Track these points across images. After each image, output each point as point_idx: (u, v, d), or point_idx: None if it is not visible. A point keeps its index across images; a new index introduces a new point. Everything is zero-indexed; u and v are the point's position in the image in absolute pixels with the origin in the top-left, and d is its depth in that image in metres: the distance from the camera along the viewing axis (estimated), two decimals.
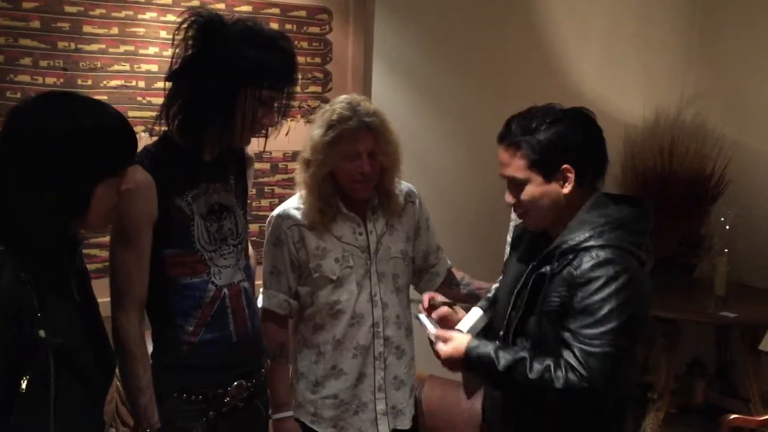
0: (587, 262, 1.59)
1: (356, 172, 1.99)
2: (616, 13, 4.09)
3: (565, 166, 1.66)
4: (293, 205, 2.09)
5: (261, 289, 2.12)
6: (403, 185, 2.18)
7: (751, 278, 4.07)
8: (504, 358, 1.62)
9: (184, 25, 1.71)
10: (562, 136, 1.65)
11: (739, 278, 3.98)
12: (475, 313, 1.87)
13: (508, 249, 2.85)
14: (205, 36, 1.70)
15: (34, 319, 1.32)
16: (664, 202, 4.00)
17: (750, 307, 3.75)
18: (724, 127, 4.10)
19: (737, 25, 4.17)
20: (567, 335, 1.60)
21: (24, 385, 1.31)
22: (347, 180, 2.02)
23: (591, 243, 1.62)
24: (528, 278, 1.69)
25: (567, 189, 1.67)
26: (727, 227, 3.86)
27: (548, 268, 1.65)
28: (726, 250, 3.78)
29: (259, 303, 2.08)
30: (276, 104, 1.78)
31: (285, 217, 2.07)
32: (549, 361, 1.59)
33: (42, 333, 1.33)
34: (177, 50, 1.72)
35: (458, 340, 1.71)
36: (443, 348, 1.72)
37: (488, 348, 1.65)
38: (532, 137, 1.65)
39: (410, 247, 2.17)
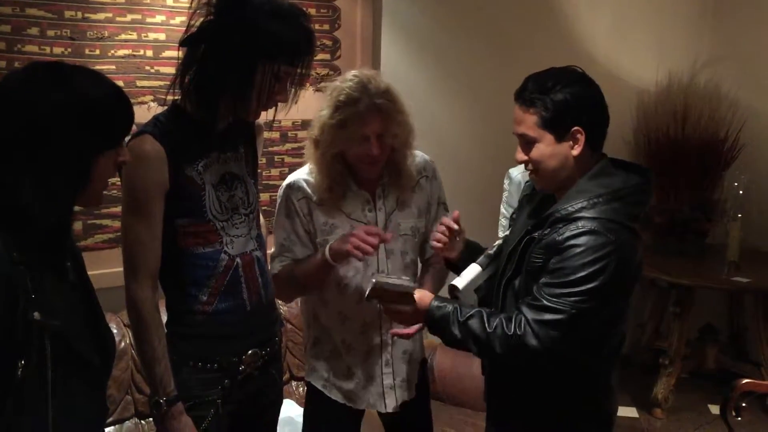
0: (571, 230, 1.62)
1: (365, 155, 1.96)
2: None
3: (576, 127, 1.66)
4: (303, 176, 2.07)
5: (271, 262, 2.11)
6: (419, 158, 2.14)
7: (764, 243, 4.06)
8: (462, 312, 1.70)
9: None
10: (576, 98, 1.66)
11: (752, 243, 3.97)
12: (473, 270, 1.87)
13: (502, 220, 2.86)
14: (225, 3, 1.68)
15: (28, 301, 1.25)
16: (677, 167, 3.97)
17: (763, 273, 3.74)
18: (738, 91, 4.05)
19: None
20: (534, 288, 1.66)
21: (20, 371, 1.24)
22: (356, 161, 2.00)
23: (583, 214, 1.64)
24: (521, 240, 1.74)
25: (576, 151, 1.68)
26: (741, 192, 3.83)
27: (538, 232, 1.70)
28: (739, 215, 3.76)
29: (272, 271, 2.08)
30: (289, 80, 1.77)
31: (295, 188, 2.06)
32: (501, 316, 1.67)
33: (37, 315, 1.25)
34: (194, 15, 1.69)
35: (423, 295, 1.78)
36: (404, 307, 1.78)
37: (449, 307, 1.73)
38: (546, 96, 1.66)
39: (422, 222, 2.14)
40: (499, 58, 3.60)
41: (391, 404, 2.15)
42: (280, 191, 2.10)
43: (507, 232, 1.94)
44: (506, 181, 2.83)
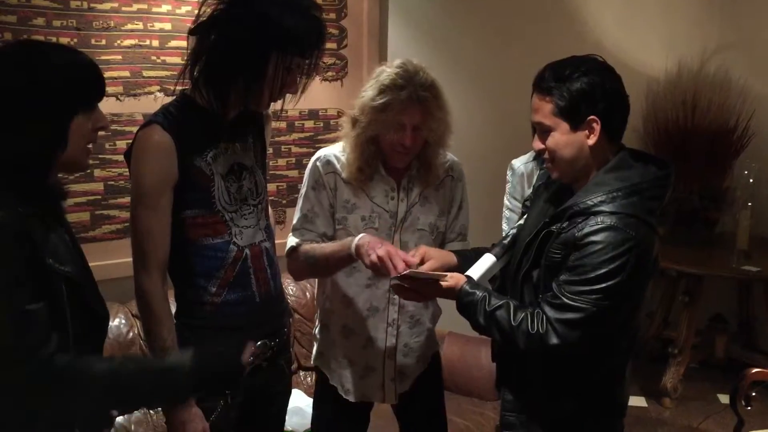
0: (591, 226, 1.61)
1: (398, 143, 1.96)
2: None
3: (591, 116, 1.65)
4: (335, 152, 2.08)
5: (291, 233, 2.10)
6: (450, 158, 2.14)
7: None
8: (491, 302, 1.70)
9: None
10: (593, 87, 1.64)
11: (762, 232, 3.94)
12: (487, 260, 1.87)
13: (506, 212, 2.83)
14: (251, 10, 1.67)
15: (43, 247, 1.34)
16: (687, 155, 3.95)
17: None
18: (748, 80, 4.02)
19: None
20: (554, 285, 1.66)
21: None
22: (388, 147, 2.00)
23: (602, 208, 1.62)
24: (539, 233, 1.72)
25: (592, 140, 1.66)
26: (751, 180, 3.81)
27: (557, 226, 1.68)
28: (749, 204, 3.73)
29: (289, 244, 2.07)
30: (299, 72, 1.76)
31: (324, 163, 2.06)
32: (528, 311, 1.67)
33: (50, 261, 1.34)
34: (203, 4, 1.68)
35: (458, 278, 1.78)
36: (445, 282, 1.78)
37: (478, 294, 1.73)
38: (563, 85, 1.65)
39: (442, 221, 2.13)
40: (505, 48, 3.58)
41: (390, 397, 2.15)
42: (310, 164, 2.10)
43: (521, 221, 1.92)
44: (509, 173, 2.80)
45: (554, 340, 1.62)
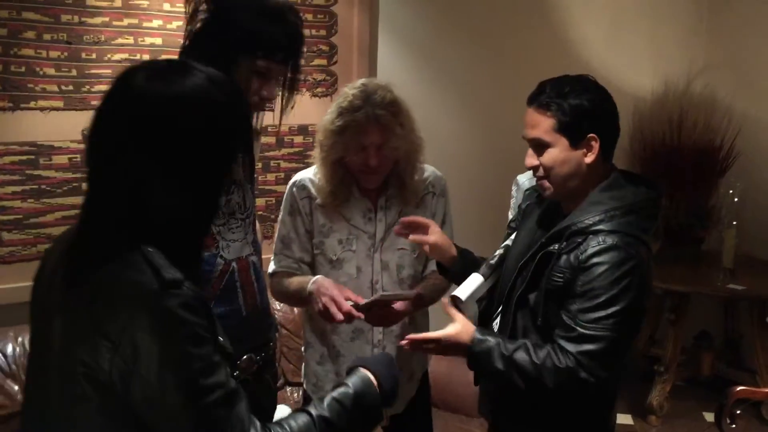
0: (593, 246, 1.60)
1: (363, 164, 1.95)
2: None
3: (591, 134, 1.65)
4: (309, 175, 2.08)
5: (273, 257, 2.12)
6: (429, 173, 2.12)
7: (759, 251, 4.06)
8: (507, 346, 1.64)
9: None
10: (594, 104, 1.65)
11: (748, 251, 3.97)
12: (475, 280, 1.83)
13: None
14: (210, 8, 1.68)
15: (213, 324, 1.16)
16: (673, 174, 3.98)
17: (758, 280, 3.75)
18: (734, 99, 4.06)
19: None
20: (566, 317, 1.62)
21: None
22: (355, 169, 1.99)
23: (601, 227, 1.61)
24: (535, 254, 1.70)
25: (590, 158, 1.66)
26: (736, 199, 3.84)
27: (556, 246, 1.66)
28: (734, 223, 3.76)
29: (269, 269, 2.09)
30: (282, 78, 1.76)
31: (300, 188, 2.07)
32: (548, 347, 1.61)
33: (221, 339, 1.18)
34: (188, 26, 1.70)
35: (465, 326, 1.69)
36: (447, 331, 1.69)
37: (491, 340, 1.66)
38: (564, 101, 1.65)
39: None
40: (495, 65, 3.61)
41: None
42: (287, 188, 2.11)
43: (507, 242, 1.90)
44: (514, 188, 2.81)
45: (582, 374, 1.58)
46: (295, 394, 2.91)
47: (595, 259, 1.59)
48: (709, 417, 3.73)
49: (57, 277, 1.18)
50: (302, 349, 2.24)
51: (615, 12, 4.05)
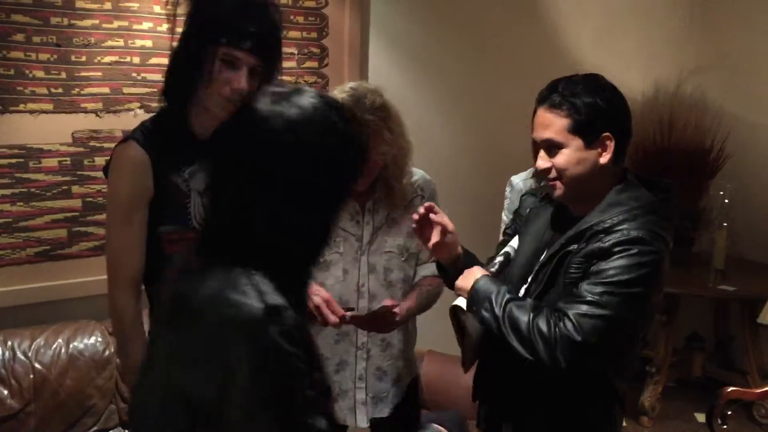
0: (616, 237, 1.57)
1: None
2: None
3: (606, 133, 1.62)
4: None
5: None
6: (418, 176, 2.12)
7: (749, 252, 4.08)
8: (506, 297, 1.61)
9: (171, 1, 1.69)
10: (608, 103, 1.63)
11: (738, 252, 3.99)
12: None
13: (503, 226, 2.85)
14: (189, 5, 1.69)
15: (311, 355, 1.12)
16: (664, 175, 3.97)
17: (749, 281, 3.76)
18: (724, 101, 4.08)
19: None
20: (574, 290, 1.58)
21: None
22: None
23: (625, 226, 1.58)
24: (554, 256, 1.66)
25: (605, 159, 1.63)
26: (726, 201, 3.85)
27: (575, 246, 1.62)
28: (725, 224, 3.78)
29: None
30: (258, 70, 1.70)
31: None
32: (547, 311, 1.57)
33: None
34: (170, 26, 1.70)
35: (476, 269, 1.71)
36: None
37: (495, 284, 1.66)
38: (577, 99, 1.61)
39: (413, 242, 2.09)
40: (487, 67, 3.61)
41: (361, 420, 2.13)
42: None
43: (507, 249, 1.86)
44: (508, 189, 2.82)
45: (577, 338, 1.51)
46: None
47: (617, 247, 1.55)
48: (701, 418, 3.74)
49: (167, 294, 1.18)
50: None
51: (606, 14, 4.06)
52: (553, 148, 1.64)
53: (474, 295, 1.66)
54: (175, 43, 1.73)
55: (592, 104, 1.60)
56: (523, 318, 1.57)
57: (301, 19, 3.13)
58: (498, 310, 1.60)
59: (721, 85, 4.12)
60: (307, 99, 1.17)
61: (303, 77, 3.16)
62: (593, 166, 1.63)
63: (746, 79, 4.13)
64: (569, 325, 1.53)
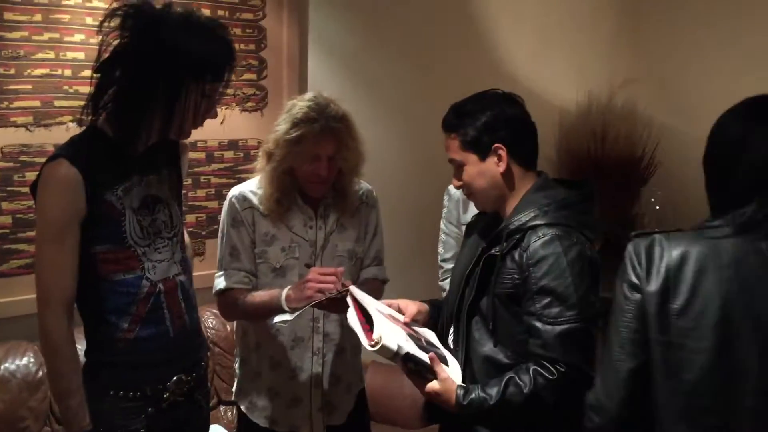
0: (535, 241, 1.64)
1: (314, 173, 2.00)
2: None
3: (496, 144, 1.72)
4: (251, 188, 2.10)
5: (217, 273, 2.10)
6: (364, 186, 2.20)
7: None
8: (493, 388, 1.60)
9: (115, 13, 1.65)
10: (493, 117, 1.73)
11: None
12: (456, 365, 1.76)
13: (442, 236, 2.90)
14: (138, 25, 1.65)
15: None
16: (598, 183, 4.05)
17: None
18: (653, 111, 4.21)
19: (664, 12, 4.28)
20: (532, 320, 1.61)
21: None
22: (304, 178, 2.04)
23: (537, 222, 1.66)
24: (479, 259, 1.74)
25: (502, 167, 1.73)
26: (657, 207, 3.98)
27: (497, 248, 1.70)
28: (656, 229, 3.88)
29: (218, 286, 2.07)
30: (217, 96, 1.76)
31: (241, 199, 2.08)
32: (533, 366, 1.59)
33: None
34: (106, 38, 1.66)
35: (449, 382, 1.66)
36: (433, 385, 1.66)
37: (477, 390, 1.63)
38: (464, 120, 1.75)
39: (360, 247, 2.16)
40: (424, 78, 3.65)
41: (317, 428, 2.13)
42: (225, 202, 2.11)
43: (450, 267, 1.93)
44: (446, 198, 2.89)
45: (575, 376, 1.56)
46: (229, 413, 2.86)
47: (541, 253, 1.62)
48: None
49: None
50: (235, 366, 2.22)
51: (540, 28, 4.15)
52: (458, 167, 1.79)
53: (471, 415, 1.64)
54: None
55: (477, 122, 1.73)
56: (521, 399, 1.58)
57: (239, 31, 3.11)
58: (497, 412, 1.60)
59: (651, 97, 4.25)
60: None
61: (242, 89, 3.14)
62: (494, 176, 1.74)
63: (673, 90, 4.27)
64: (563, 368, 1.57)
